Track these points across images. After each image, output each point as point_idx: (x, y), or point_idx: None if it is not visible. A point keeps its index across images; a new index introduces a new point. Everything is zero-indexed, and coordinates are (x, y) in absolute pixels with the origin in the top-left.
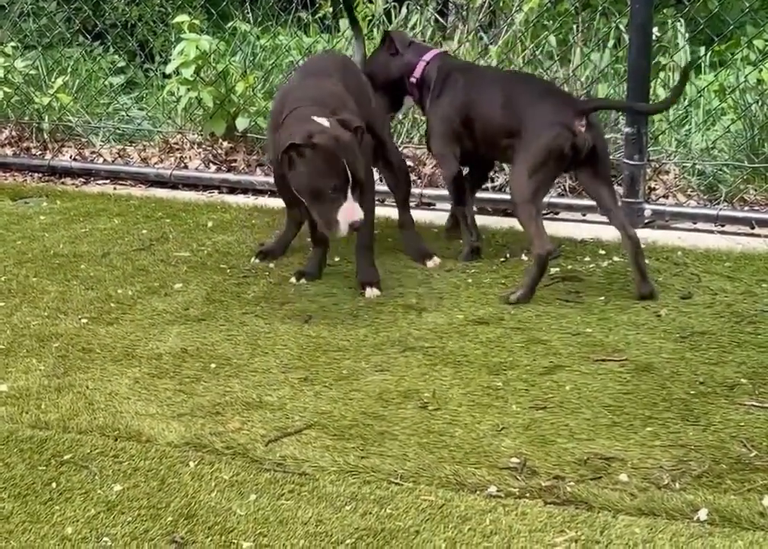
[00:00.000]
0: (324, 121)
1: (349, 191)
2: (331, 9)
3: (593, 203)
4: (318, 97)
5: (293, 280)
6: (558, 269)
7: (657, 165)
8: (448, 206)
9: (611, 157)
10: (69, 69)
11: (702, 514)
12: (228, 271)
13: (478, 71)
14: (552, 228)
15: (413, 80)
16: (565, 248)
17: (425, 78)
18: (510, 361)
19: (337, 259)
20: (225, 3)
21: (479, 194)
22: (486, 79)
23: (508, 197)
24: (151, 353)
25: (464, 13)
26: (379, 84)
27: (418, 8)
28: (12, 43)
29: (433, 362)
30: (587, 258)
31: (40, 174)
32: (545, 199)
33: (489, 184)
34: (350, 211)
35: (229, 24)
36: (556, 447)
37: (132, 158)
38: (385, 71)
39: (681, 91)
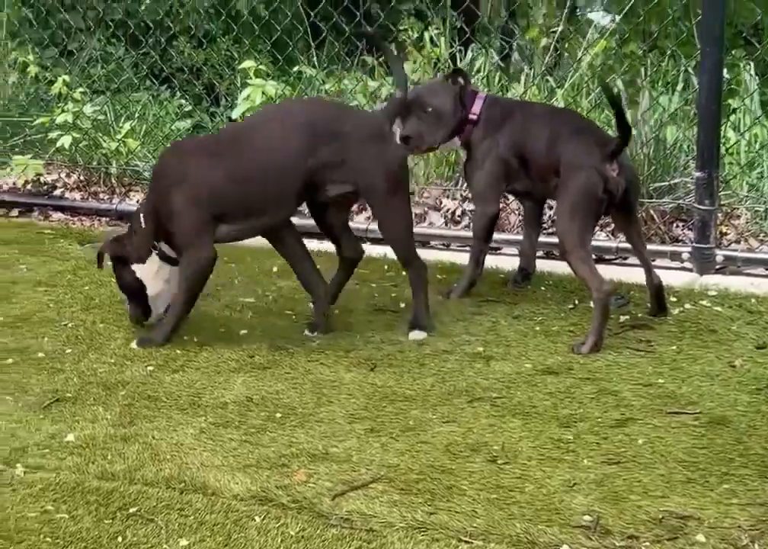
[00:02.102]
0: None
1: None
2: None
3: (663, 248)
4: None
5: (307, 332)
6: (627, 317)
7: (729, 210)
8: (515, 250)
9: (682, 201)
10: (137, 114)
11: None
12: (293, 317)
13: (530, 107)
14: (621, 274)
15: (472, 117)
16: (634, 295)
17: (480, 115)
18: (581, 413)
19: (402, 305)
20: (291, 48)
21: (545, 239)
22: (536, 115)
23: None
24: (216, 402)
25: (530, 56)
26: (442, 118)
27: (483, 51)
28: (81, 89)
29: (501, 413)
30: None
31: (108, 219)
32: (614, 244)
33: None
34: None
35: (295, 68)
36: (630, 505)
37: None
38: (453, 106)
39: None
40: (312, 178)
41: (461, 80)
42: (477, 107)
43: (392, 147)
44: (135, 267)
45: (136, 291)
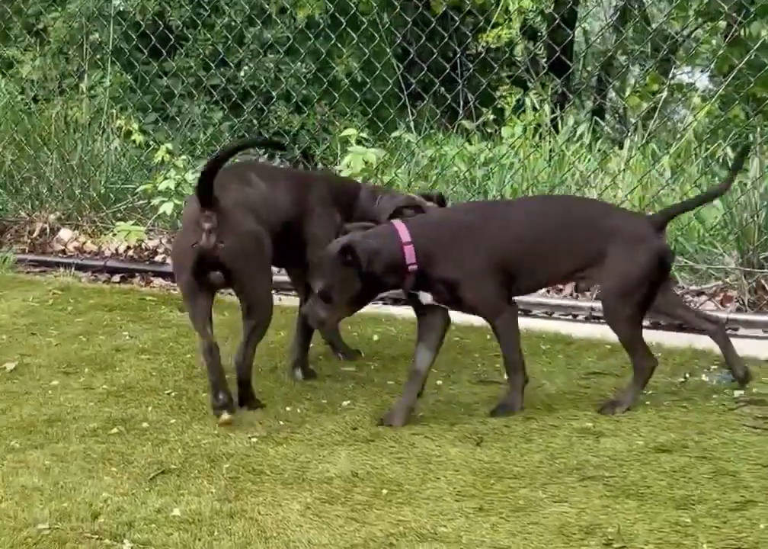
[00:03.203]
0: None
1: None
2: (492, 116)
3: None
4: None
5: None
6: (742, 392)
7: None
8: None
9: None
10: None
11: None
12: (396, 387)
13: (496, 208)
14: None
15: (413, 269)
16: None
17: (419, 260)
18: (698, 495)
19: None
20: (391, 115)
21: None
22: (525, 210)
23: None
24: (321, 476)
25: (631, 122)
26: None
27: (585, 117)
28: (183, 157)
29: (614, 493)
30: None
31: None
32: (724, 314)
33: None
34: None
35: (393, 134)
36: None
37: None
38: (340, 287)
39: (740, 166)
40: None
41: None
42: (410, 255)
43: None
44: None
45: None
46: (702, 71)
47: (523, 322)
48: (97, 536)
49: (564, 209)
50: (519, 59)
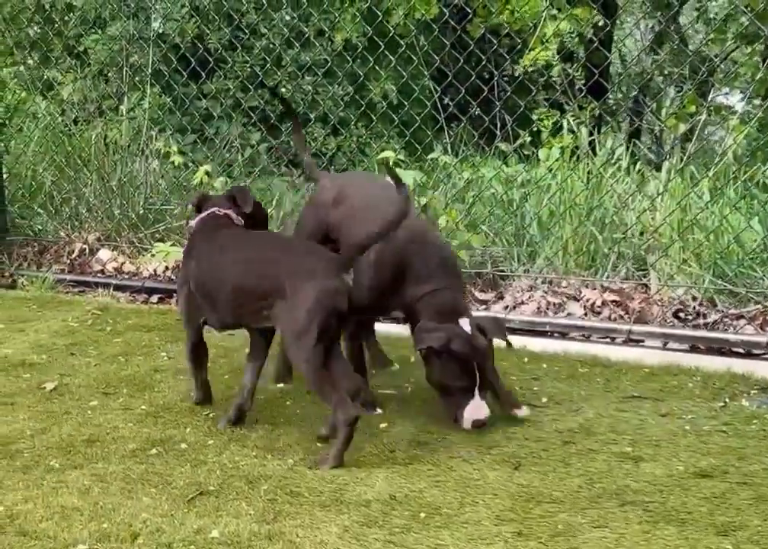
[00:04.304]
0: (465, 325)
1: (477, 390)
2: (529, 138)
3: None
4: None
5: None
6: None
7: None
8: (659, 343)
9: None
10: (274, 201)
11: None
12: (431, 409)
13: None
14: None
15: None
16: None
17: None
18: (739, 521)
19: (545, 400)
20: (429, 138)
21: (689, 332)
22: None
23: (720, 335)
24: (359, 499)
25: (671, 143)
26: None
27: (623, 139)
28: (221, 178)
29: (654, 519)
30: None
31: None
32: (763, 338)
33: (701, 321)
34: (476, 409)
35: (430, 156)
36: None
37: None
38: None
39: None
40: None
41: None
42: None
43: None
44: None
45: None
46: (741, 93)
47: (561, 345)
48: None
49: (255, 246)
50: (555, 79)
